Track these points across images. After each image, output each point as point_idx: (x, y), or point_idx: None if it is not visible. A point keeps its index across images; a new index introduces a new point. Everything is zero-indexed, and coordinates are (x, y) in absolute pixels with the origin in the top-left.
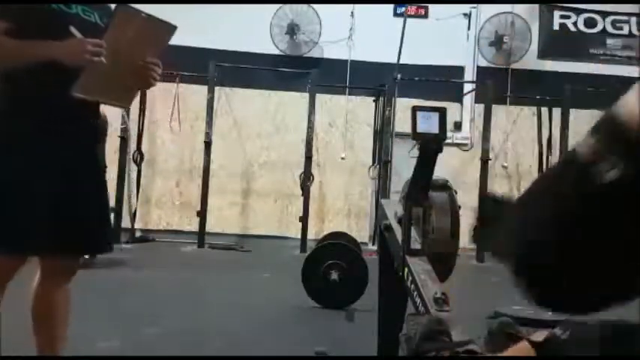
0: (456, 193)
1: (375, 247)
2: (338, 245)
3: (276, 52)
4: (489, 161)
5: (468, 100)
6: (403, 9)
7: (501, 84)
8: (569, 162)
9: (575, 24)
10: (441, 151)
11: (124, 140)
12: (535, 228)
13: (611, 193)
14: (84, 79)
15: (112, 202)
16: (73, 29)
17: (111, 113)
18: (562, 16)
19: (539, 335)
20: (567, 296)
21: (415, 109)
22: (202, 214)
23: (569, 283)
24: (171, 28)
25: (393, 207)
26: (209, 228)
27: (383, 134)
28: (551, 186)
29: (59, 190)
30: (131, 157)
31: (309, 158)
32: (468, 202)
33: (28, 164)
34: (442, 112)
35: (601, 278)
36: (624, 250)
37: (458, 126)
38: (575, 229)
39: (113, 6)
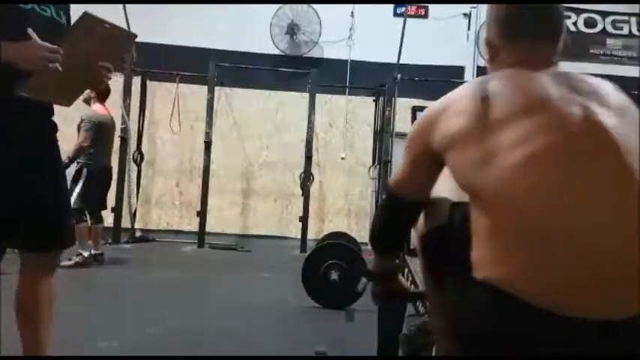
0: None
1: None
2: (338, 245)
3: (276, 52)
4: None
5: None
6: (403, 9)
7: None
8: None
9: (575, 24)
10: None
11: (124, 140)
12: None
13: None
14: (33, 80)
15: (112, 202)
16: (30, 31)
17: (111, 113)
18: None
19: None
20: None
21: (415, 109)
22: (202, 214)
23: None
24: (131, 37)
25: None
26: (209, 228)
27: (383, 134)
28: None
29: (12, 186)
30: (131, 157)
31: (309, 158)
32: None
33: None
34: None
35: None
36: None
37: None
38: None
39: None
